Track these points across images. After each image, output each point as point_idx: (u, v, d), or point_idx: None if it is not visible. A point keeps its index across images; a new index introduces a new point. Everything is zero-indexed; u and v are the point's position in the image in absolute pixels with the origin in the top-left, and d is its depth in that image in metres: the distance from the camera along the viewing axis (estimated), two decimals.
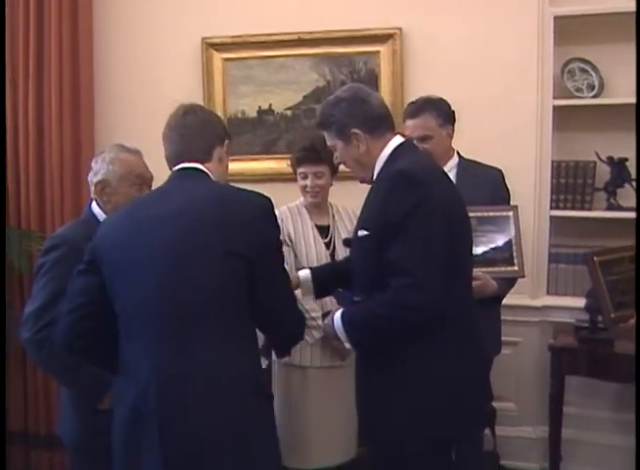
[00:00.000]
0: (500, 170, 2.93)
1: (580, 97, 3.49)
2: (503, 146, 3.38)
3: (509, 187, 2.94)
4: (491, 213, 2.76)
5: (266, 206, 1.91)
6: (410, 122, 2.80)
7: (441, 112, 2.82)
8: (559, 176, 3.50)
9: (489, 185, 2.85)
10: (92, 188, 2.40)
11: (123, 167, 2.37)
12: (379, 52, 3.55)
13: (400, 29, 3.51)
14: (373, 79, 3.56)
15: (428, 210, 1.93)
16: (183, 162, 2.00)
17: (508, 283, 2.78)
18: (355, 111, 2.11)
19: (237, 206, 1.88)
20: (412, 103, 2.87)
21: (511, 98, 3.45)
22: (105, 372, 2.00)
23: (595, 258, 2.77)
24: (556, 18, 3.37)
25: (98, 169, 2.38)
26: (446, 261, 1.94)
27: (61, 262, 2.22)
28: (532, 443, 3.52)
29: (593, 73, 3.47)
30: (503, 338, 3.01)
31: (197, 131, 2.02)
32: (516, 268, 2.76)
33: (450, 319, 1.99)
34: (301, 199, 2.98)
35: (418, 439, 2.00)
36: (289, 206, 2.98)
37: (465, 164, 2.91)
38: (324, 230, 2.95)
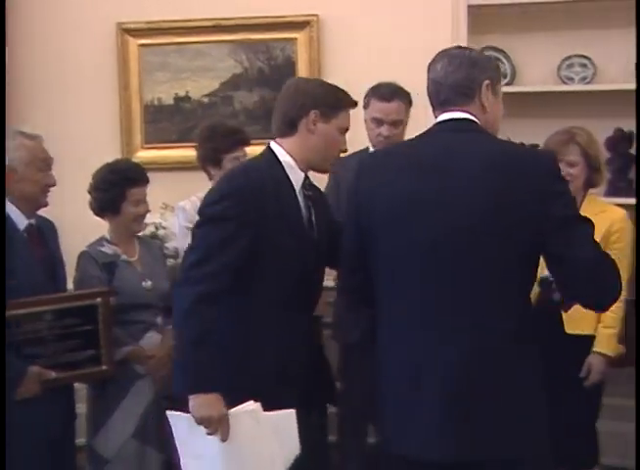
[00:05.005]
0: None
1: None
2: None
3: None
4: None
5: None
6: (384, 105, 2.84)
7: (409, 100, 2.91)
8: None
9: None
10: None
11: (30, 153, 2.32)
12: (296, 39, 3.54)
13: (317, 16, 3.51)
14: (290, 66, 3.56)
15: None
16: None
17: None
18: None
19: None
20: (381, 85, 2.91)
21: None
22: None
23: None
24: (470, 7, 3.41)
25: None
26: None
27: None
28: None
29: (505, 62, 3.52)
30: None
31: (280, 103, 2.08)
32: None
33: None
34: None
35: None
36: None
37: None
38: None
